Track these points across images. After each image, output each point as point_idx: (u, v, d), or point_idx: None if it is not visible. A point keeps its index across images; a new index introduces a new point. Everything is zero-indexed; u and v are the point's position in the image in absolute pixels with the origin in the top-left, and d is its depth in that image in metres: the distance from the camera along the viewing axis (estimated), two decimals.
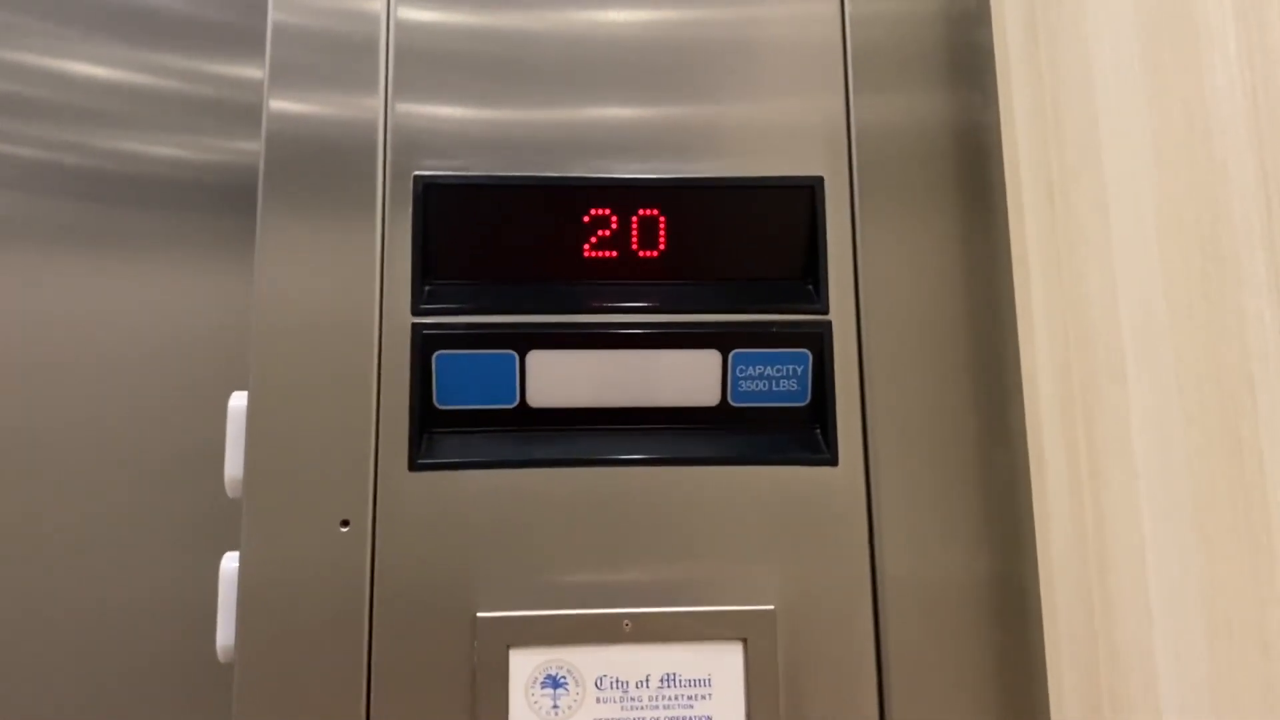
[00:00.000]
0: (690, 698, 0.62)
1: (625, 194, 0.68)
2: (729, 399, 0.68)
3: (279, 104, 0.69)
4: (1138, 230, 0.54)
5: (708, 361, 0.68)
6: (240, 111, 1.02)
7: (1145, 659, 0.54)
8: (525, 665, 0.62)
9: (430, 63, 0.70)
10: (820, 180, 0.69)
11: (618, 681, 0.62)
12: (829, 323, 0.68)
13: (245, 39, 1.03)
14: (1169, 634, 0.52)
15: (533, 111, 0.70)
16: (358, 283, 0.67)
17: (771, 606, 0.64)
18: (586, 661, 0.62)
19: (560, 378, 0.67)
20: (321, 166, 0.68)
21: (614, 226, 0.68)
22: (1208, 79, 0.48)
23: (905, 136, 0.71)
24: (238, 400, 0.66)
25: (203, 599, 0.70)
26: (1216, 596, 0.48)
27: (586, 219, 0.68)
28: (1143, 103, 0.53)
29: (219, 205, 1.00)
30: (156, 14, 1.03)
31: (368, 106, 0.69)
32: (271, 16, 0.70)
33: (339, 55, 0.69)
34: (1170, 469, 0.52)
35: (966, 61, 0.72)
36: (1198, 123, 0.49)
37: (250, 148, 1.02)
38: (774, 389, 0.68)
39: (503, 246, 0.68)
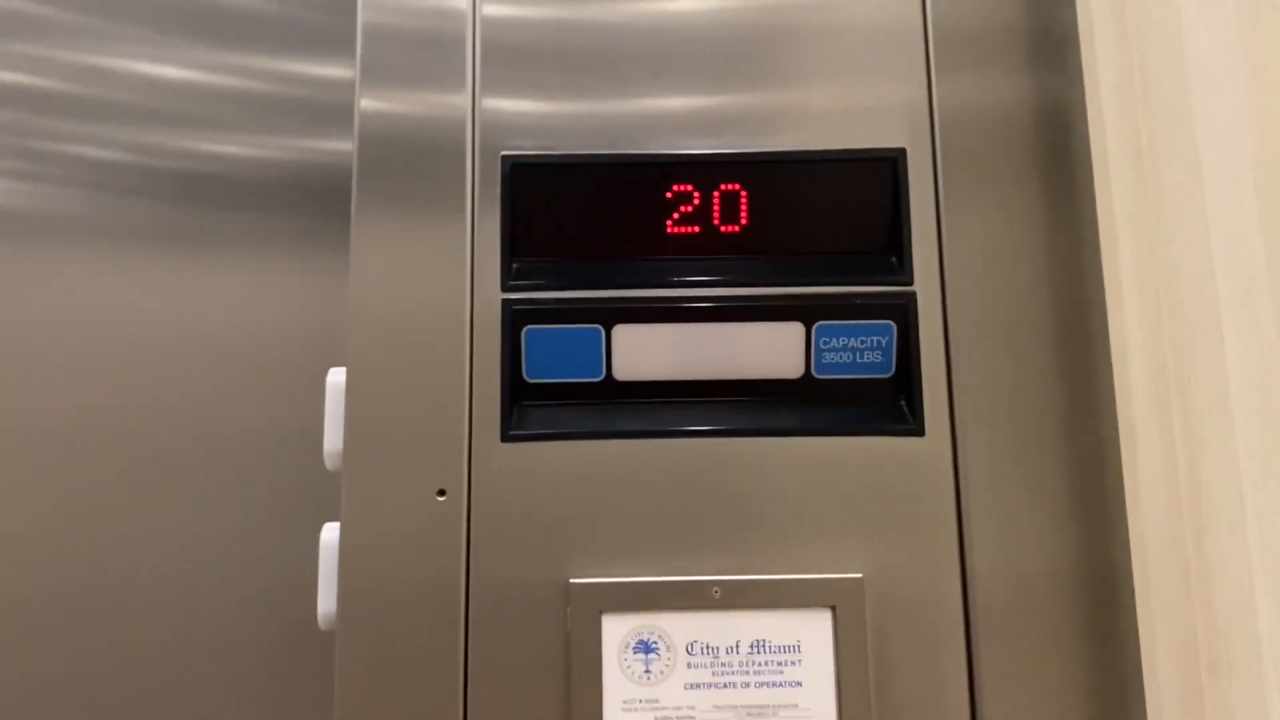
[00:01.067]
0: (780, 664, 0.63)
1: (706, 170, 0.69)
2: (812, 371, 0.68)
3: (370, 103, 0.71)
4: (1234, 191, 0.54)
5: (791, 334, 0.68)
6: (321, 111, 1.05)
7: (1248, 622, 0.53)
8: (618, 630, 0.63)
9: (515, 57, 0.72)
10: (903, 152, 0.69)
11: (708, 647, 0.63)
12: (914, 294, 0.68)
13: (327, 39, 1.06)
14: (1273, 595, 0.51)
15: (615, 99, 0.71)
16: (449, 263, 0.69)
17: (859, 575, 0.65)
18: (677, 627, 0.63)
19: (645, 351, 0.68)
20: (412, 160, 0.70)
21: (696, 202, 0.69)
22: None
23: (988, 114, 0.71)
24: (336, 376, 0.68)
25: (301, 572, 0.72)
26: None
27: (669, 195, 0.69)
28: (1238, 59, 0.53)
29: (300, 204, 1.03)
30: (241, 15, 1.06)
31: (456, 103, 0.71)
32: (361, 17, 0.72)
33: (427, 53, 0.72)
34: (1272, 431, 0.51)
35: (1049, 40, 0.72)
36: None
37: (330, 146, 1.05)
38: (858, 360, 0.68)
39: (588, 223, 0.70)
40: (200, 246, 1.02)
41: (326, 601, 0.66)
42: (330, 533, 0.67)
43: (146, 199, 1.03)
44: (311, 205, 1.03)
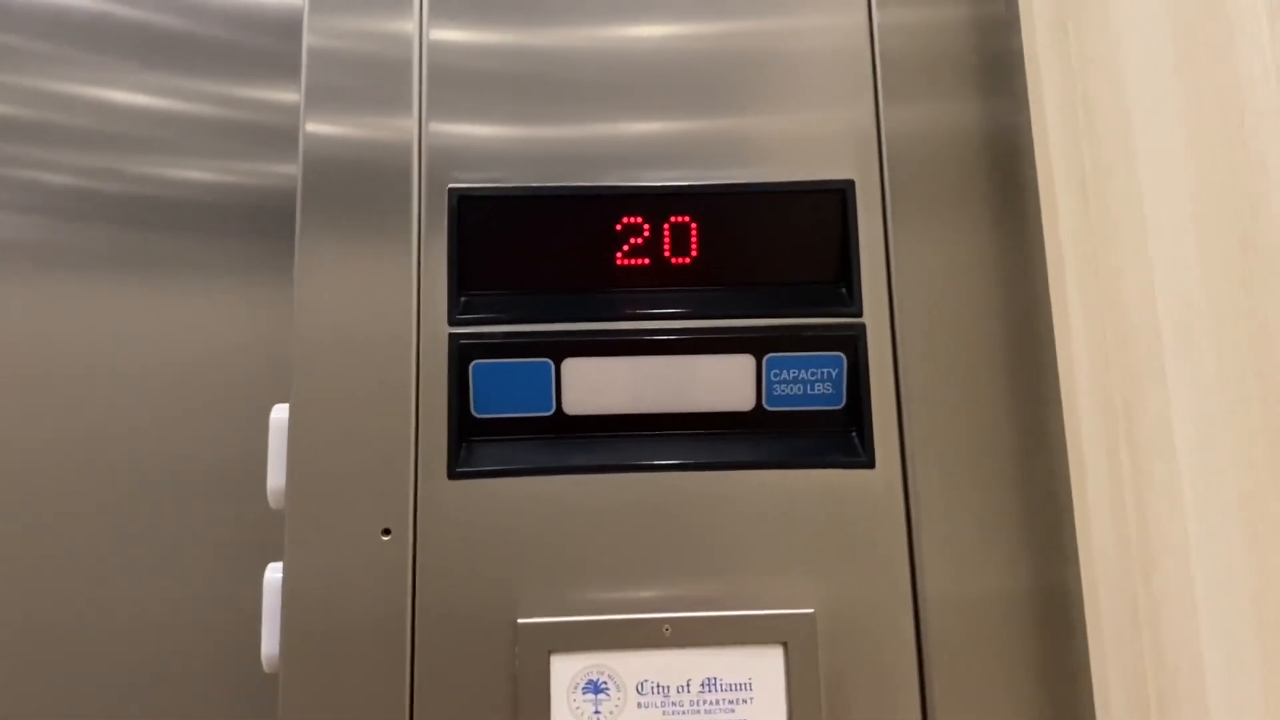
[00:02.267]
0: (731, 702, 0.62)
1: (657, 201, 0.69)
2: (764, 403, 0.68)
3: (315, 126, 0.70)
4: (1174, 224, 0.54)
5: (742, 366, 0.68)
6: (272, 135, 1.04)
7: (1193, 659, 0.53)
8: (567, 670, 0.62)
9: (463, 82, 0.71)
10: (851, 183, 0.69)
11: (659, 686, 0.62)
12: (863, 325, 0.68)
13: (279, 64, 1.05)
14: (1217, 633, 0.51)
15: (564, 127, 0.71)
16: (395, 295, 0.68)
17: (811, 610, 0.64)
18: (627, 666, 0.63)
19: (595, 385, 0.68)
20: (358, 185, 0.69)
21: (646, 234, 0.69)
22: (1242, 68, 0.48)
23: (936, 141, 0.71)
24: (279, 413, 0.67)
25: (244, 610, 0.71)
26: (1265, 591, 0.48)
27: (619, 227, 0.69)
28: (1176, 94, 0.53)
29: (251, 228, 1.02)
30: (192, 41, 1.05)
31: (402, 127, 0.70)
32: (306, 41, 0.71)
33: (373, 77, 0.71)
34: (1214, 466, 0.51)
35: (996, 66, 0.72)
36: (1232, 113, 0.49)
37: (282, 170, 1.04)
38: (809, 392, 0.68)
39: (537, 256, 0.69)
40: (154, 272, 1.00)
41: (270, 643, 0.65)
42: (274, 573, 0.66)
43: (100, 224, 1.01)
44: (266, 229, 1.01)
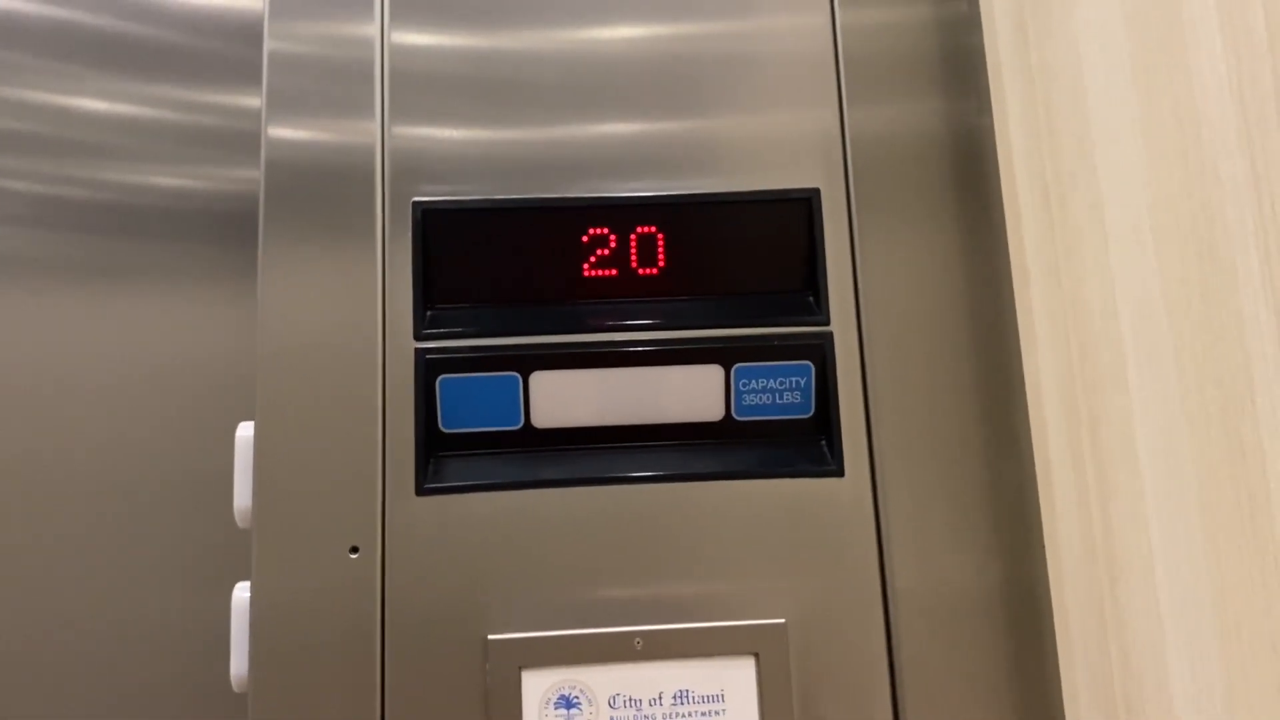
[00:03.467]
0: (704, 714, 0.62)
1: (623, 213, 0.69)
2: (732, 413, 0.68)
3: (277, 131, 0.69)
4: (1134, 232, 0.54)
5: (710, 377, 0.68)
6: (239, 140, 1.03)
7: (1158, 664, 0.54)
8: (538, 686, 0.62)
9: (426, 85, 0.71)
10: (817, 192, 0.69)
11: (631, 700, 0.62)
12: (830, 334, 0.68)
13: (241, 69, 1.04)
14: (1180, 638, 0.52)
15: (529, 131, 0.70)
16: (360, 309, 0.67)
17: (782, 620, 0.64)
18: (599, 680, 0.62)
19: (564, 398, 0.67)
20: (321, 192, 0.68)
21: (613, 245, 0.69)
22: (1196, 79, 0.48)
23: (901, 144, 0.71)
24: (245, 431, 0.66)
25: (213, 628, 0.70)
26: (1226, 599, 0.48)
27: (585, 239, 0.69)
28: (1133, 103, 0.54)
29: (216, 234, 1.01)
30: (155, 47, 1.03)
31: (365, 130, 0.69)
32: (267, 45, 0.71)
33: (335, 81, 0.70)
34: (1175, 474, 0.52)
35: (960, 67, 0.72)
36: (1187, 122, 0.49)
37: (247, 175, 1.03)
38: (777, 402, 0.68)
39: (503, 269, 0.69)
40: (118, 279, 0.99)
41: (239, 663, 0.64)
42: (242, 592, 0.65)
43: (62, 231, 1.00)
44: (232, 235, 1.00)
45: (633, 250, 0.69)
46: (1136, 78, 0.53)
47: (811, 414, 0.68)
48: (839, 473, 0.67)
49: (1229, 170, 0.47)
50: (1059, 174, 0.61)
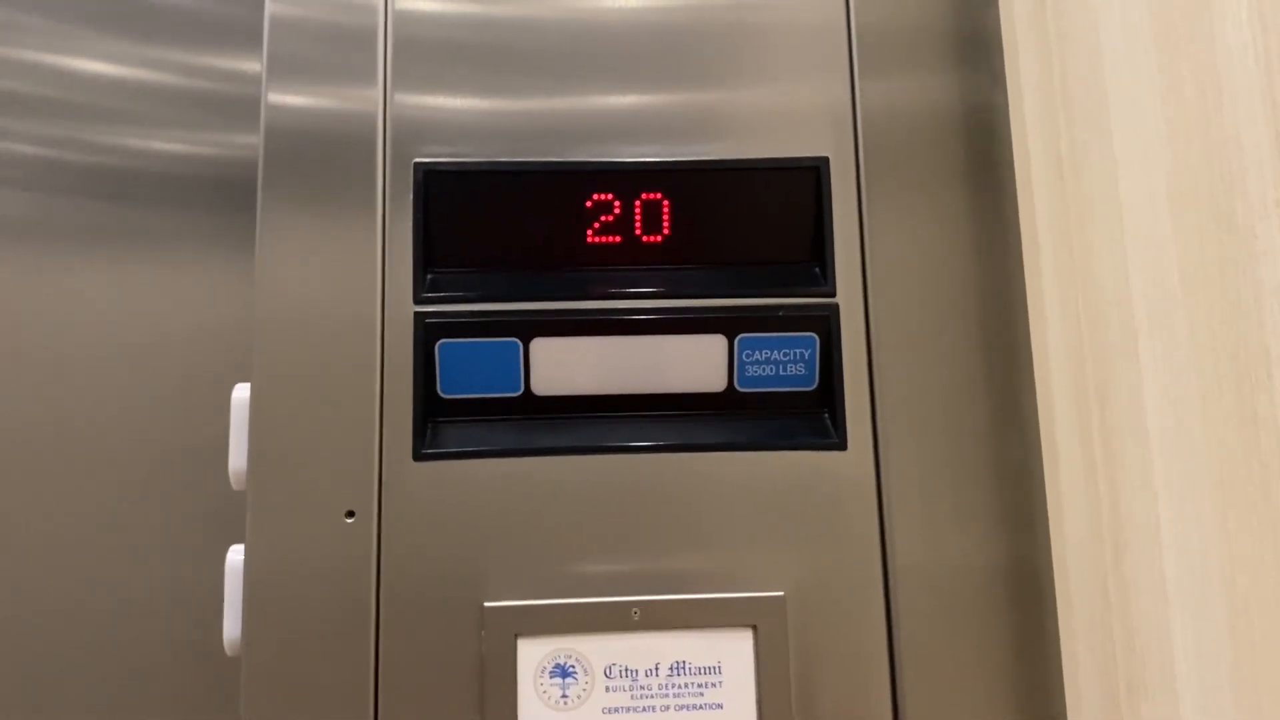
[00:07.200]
0: (700, 686, 0.62)
1: (628, 178, 0.67)
2: (735, 384, 0.67)
3: (277, 97, 0.68)
4: (1149, 203, 0.53)
5: (713, 346, 0.67)
6: (240, 105, 1.02)
7: (1163, 641, 0.53)
8: (534, 655, 0.61)
9: (429, 52, 0.69)
10: (825, 161, 0.68)
11: (627, 670, 0.62)
12: (836, 306, 0.67)
13: (244, 32, 1.02)
14: (1187, 616, 0.51)
15: (533, 99, 0.69)
16: (359, 273, 0.66)
17: (781, 593, 0.64)
18: (595, 650, 0.62)
19: (564, 365, 0.66)
20: (321, 158, 0.67)
21: (617, 211, 0.67)
22: (1219, 45, 0.47)
23: (912, 117, 0.70)
24: (241, 392, 0.65)
25: (208, 592, 0.69)
26: (1236, 576, 0.47)
27: (589, 204, 0.67)
28: (1153, 72, 0.52)
29: (217, 199, 1.00)
30: (157, 9, 1.02)
31: (367, 97, 0.68)
32: (269, 9, 0.69)
33: (337, 46, 0.69)
34: (1187, 448, 0.51)
35: (973, 42, 0.71)
36: (1209, 91, 0.48)
37: (249, 141, 1.01)
38: (781, 373, 0.67)
39: (505, 233, 0.68)
40: (118, 245, 0.98)
41: (232, 627, 0.64)
42: (236, 555, 0.64)
43: (63, 195, 0.99)
44: (233, 201, 0.99)
45: (637, 216, 0.67)
46: (1157, 44, 0.52)
47: (815, 386, 0.67)
48: (842, 446, 0.66)
49: (1252, 138, 0.46)
50: (1073, 142, 0.60)
